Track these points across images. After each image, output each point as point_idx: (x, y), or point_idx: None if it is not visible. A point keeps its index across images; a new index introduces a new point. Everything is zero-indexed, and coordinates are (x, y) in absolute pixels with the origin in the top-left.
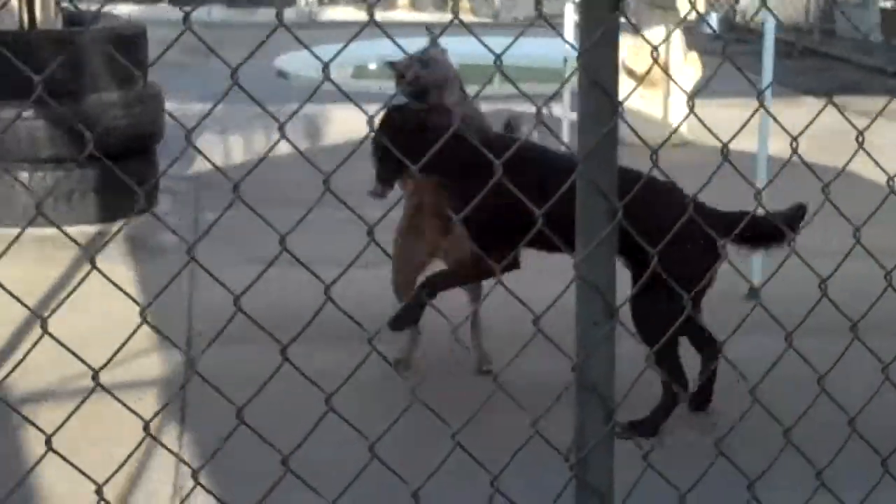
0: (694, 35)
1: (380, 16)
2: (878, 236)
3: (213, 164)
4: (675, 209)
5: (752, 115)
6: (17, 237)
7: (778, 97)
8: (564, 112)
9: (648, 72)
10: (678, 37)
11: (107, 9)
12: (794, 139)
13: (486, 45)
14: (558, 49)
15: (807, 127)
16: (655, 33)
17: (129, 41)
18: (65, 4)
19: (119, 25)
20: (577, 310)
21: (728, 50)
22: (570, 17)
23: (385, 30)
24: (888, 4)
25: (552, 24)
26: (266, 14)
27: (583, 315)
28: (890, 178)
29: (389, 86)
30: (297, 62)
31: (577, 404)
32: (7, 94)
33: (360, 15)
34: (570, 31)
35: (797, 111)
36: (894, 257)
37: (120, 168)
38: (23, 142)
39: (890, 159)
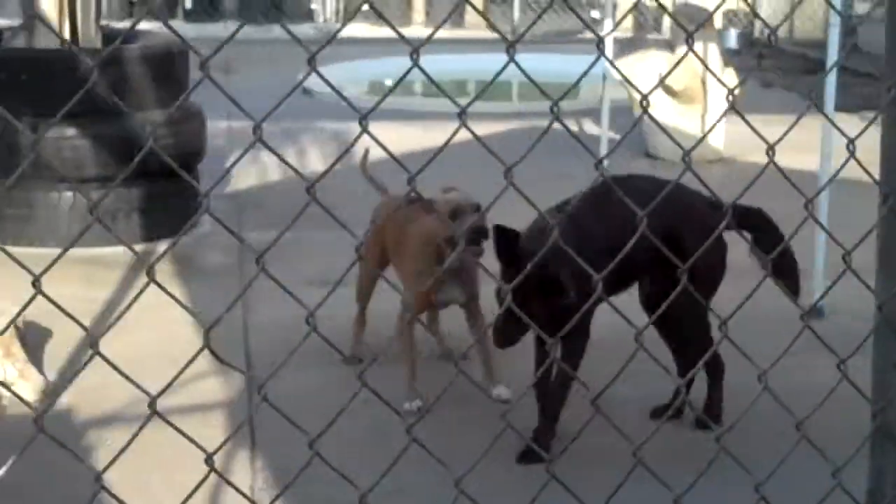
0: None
1: (393, 32)
2: None
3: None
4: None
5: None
6: (62, 254)
7: (810, 114)
8: (602, 130)
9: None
10: (715, 52)
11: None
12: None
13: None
14: (573, 65)
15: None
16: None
17: (172, 59)
18: (104, 22)
19: (161, 43)
20: (875, 353)
21: (751, 66)
22: (610, 35)
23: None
24: None
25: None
26: (280, 31)
27: (881, 358)
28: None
29: (405, 102)
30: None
31: (875, 450)
32: (51, 111)
33: (375, 31)
34: (610, 48)
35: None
36: None
37: (163, 187)
38: (67, 161)
39: None
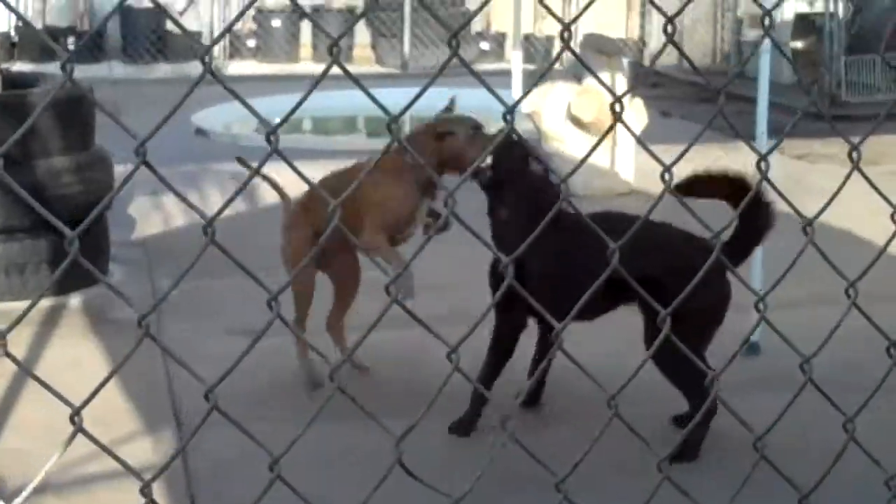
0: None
1: (282, 68)
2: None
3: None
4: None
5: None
6: None
7: (713, 142)
8: None
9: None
10: (622, 83)
11: (29, 67)
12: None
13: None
14: (471, 98)
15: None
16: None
17: (77, 103)
18: (5, 66)
19: (66, 87)
20: None
21: (639, 94)
22: (518, 65)
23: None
24: (799, 45)
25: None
26: (167, 69)
27: None
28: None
29: (291, 139)
30: (216, 119)
31: None
32: None
33: (264, 68)
34: (518, 82)
35: (738, 155)
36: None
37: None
38: None
39: (837, 203)
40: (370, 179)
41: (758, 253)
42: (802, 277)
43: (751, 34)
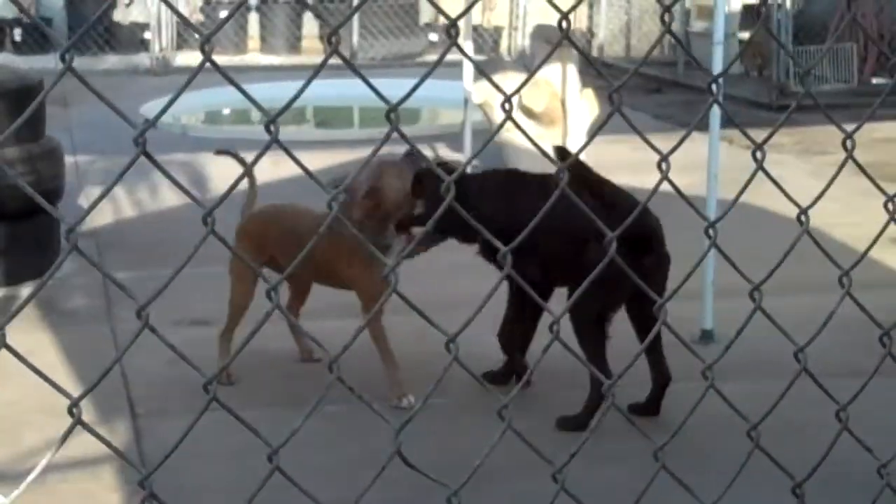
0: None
1: (231, 60)
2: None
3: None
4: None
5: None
6: None
7: (659, 132)
8: (466, 155)
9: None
10: (573, 73)
11: None
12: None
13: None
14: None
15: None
16: (552, 70)
17: (26, 93)
18: None
19: (14, 77)
20: None
21: (590, 85)
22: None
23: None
24: (745, 35)
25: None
26: (114, 60)
27: None
28: (802, 212)
29: (242, 130)
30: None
31: None
32: None
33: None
34: (469, 73)
35: (687, 146)
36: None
37: (23, 227)
38: None
39: (790, 192)
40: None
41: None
42: (753, 265)
43: (698, 25)
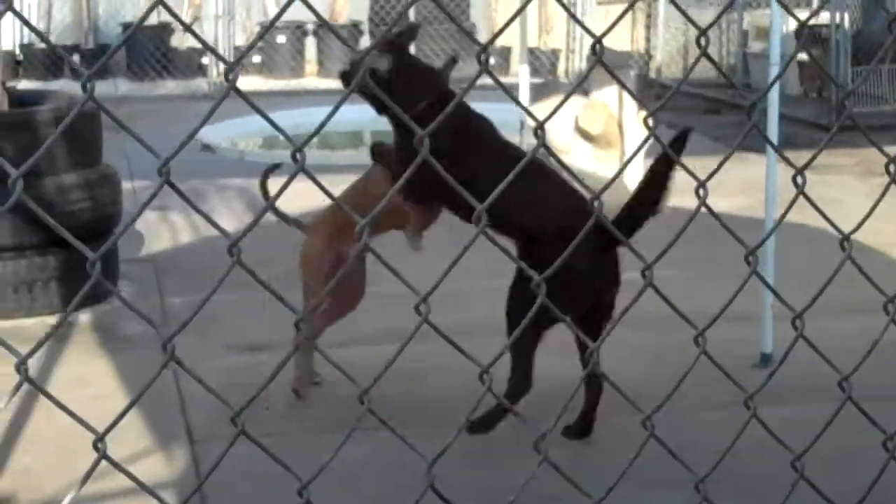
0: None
1: (288, 84)
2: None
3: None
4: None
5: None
6: None
7: (717, 153)
8: None
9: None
10: (629, 96)
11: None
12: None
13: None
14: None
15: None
16: (608, 93)
17: (84, 120)
18: (10, 84)
19: (71, 104)
20: None
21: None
22: (525, 79)
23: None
24: (804, 57)
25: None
26: (172, 86)
27: None
28: (844, 238)
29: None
30: (223, 134)
31: None
32: None
33: (269, 84)
34: (525, 96)
35: (745, 168)
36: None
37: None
38: None
39: (846, 214)
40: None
41: (769, 263)
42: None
43: (756, 46)
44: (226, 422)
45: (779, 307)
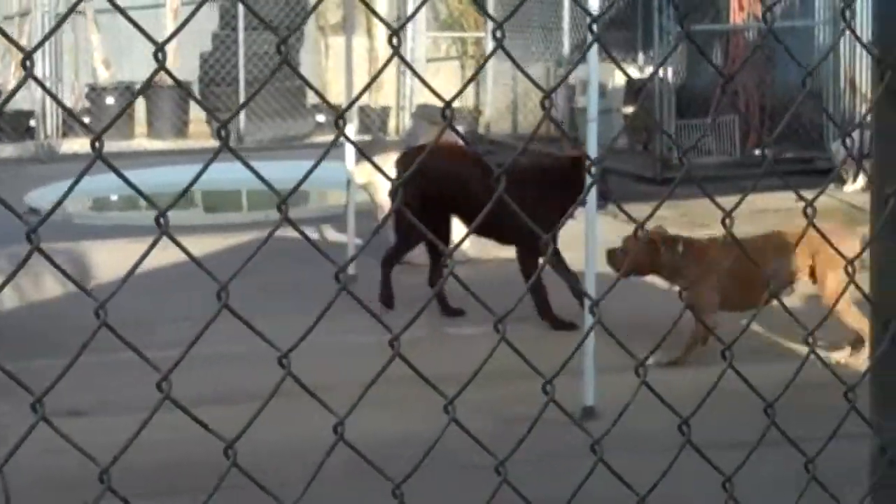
0: None
1: (118, 145)
2: None
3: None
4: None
5: None
6: None
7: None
8: (350, 236)
9: None
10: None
11: None
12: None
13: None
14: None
15: None
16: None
17: None
18: None
19: None
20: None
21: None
22: (352, 137)
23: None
24: (629, 110)
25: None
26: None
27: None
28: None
29: (131, 217)
30: (50, 198)
31: None
32: None
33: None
34: (351, 155)
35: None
36: None
37: None
38: None
39: None
40: None
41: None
42: (638, 338)
43: (582, 101)
44: (47, 494)
45: (601, 359)
